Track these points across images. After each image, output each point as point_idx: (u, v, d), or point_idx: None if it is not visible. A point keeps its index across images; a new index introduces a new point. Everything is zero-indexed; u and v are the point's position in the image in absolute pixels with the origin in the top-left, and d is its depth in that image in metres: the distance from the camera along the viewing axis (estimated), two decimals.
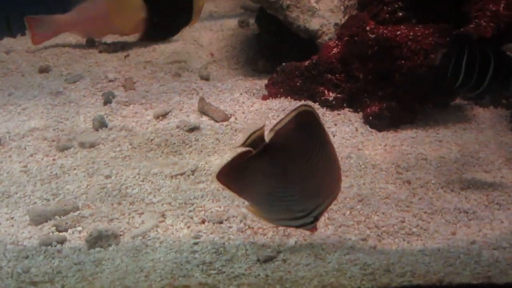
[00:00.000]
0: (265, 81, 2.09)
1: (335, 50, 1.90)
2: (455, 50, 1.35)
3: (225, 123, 1.77)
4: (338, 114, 1.84)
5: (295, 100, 1.97)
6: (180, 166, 1.48)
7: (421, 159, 1.54)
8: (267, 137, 0.99)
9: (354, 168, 1.48)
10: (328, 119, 1.82)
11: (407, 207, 1.32)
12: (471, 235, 1.22)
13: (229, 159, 1.01)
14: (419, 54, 1.69)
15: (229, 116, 1.81)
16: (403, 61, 1.70)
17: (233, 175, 1.03)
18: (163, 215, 1.24)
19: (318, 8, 2.30)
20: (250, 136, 0.98)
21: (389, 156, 1.56)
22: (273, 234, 1.20)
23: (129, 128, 1.73)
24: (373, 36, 1.75)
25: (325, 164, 1.00)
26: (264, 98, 2.06)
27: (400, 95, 1.75)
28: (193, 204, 1.29)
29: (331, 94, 1.89)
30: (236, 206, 1.30)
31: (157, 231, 1.19)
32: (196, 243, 1.15)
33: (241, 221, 1.23)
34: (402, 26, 1.74)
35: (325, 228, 1.23)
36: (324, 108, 1.87)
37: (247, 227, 1.22)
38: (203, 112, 1.89)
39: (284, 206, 1.02)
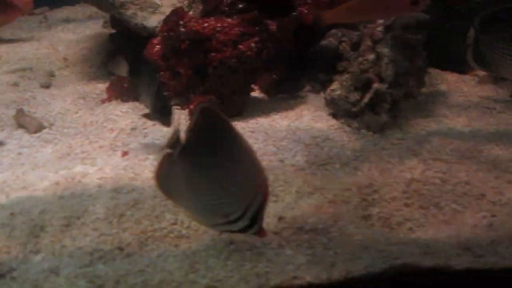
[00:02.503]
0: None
1: (158, 47, 1.86)
2: None
3: (36, 134, 1.69)
4: None
5: (124, 102, 1.91)
6: None
7: None
8: (183, 138, 0.99)
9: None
10: (149, 120, 1.76)
11: None
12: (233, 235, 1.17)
13: (157, 161, 0.99)
14: (228, 45, 1.69)
15: (46, 126, 1.73)
16: (214, 54, 1.69)
17: (162, 179, 1.01)
18: None
19: (160, 4, 2.24)
20: (172, 138, 0.98)
21: None
22: (18, 252, 1.13)
23: None
24: (183, 30, 1.71)
25: (240, 161, 0.97)
26: (103, 101, 2.01)
27: (217, 88, 1.72)
28: None
29: None
30: None
31: None
32: None
33: None
34: (211, 18, 1.71)
35: (84, 238, 1.17)
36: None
37: None
38: (20, 124, 1.80)
39: (213, 209, 0.99)
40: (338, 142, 1.55)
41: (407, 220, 1.24)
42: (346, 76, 1.63)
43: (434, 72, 2.24)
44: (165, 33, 1.77)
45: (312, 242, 1.10)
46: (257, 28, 1.67)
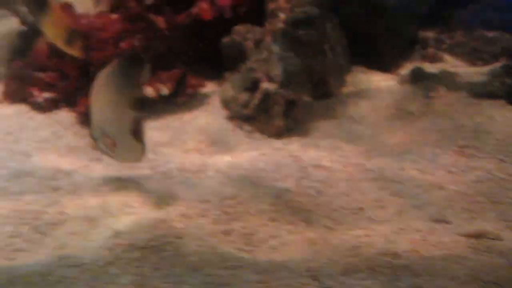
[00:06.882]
0: None
1: (44, 46, 1.72)
2: None
3: None
4: (48, 117, 1.64)
5: (12, 104, 1.73)
6: None
7: (92, 159, 1.39)
8: None
9: None
10: (30, 124, 1.60)
11: (33, 219, 1.14)
12: (76, 248, 1.05)
13: None
14: (109, 43, 1.56)
15: None
16: (95, 52, 1.56)
17: None
18: None
19: None
20: None
21: (59, 160, 1.41)
22: None
23: None
24: None
25: None
26: None
27: None
28: None
29: (42, 94, 1.70)
30: None
31: None
32: None
33: None
34: (91, 14, 1.59)
35: None
36: (35, 111, 1.66)
37: None
38: None
39: None
40: (223, 148, 1.41)
41: (272, 237, 1.08)
42: (237, 75, 1.52)
43: (359, 70, 2.15)
44: None
45: (142, 261, 0.96)
46: (141, 24, 1.55)
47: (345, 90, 1.93)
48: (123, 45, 1.52)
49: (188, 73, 1.79)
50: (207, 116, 1.64)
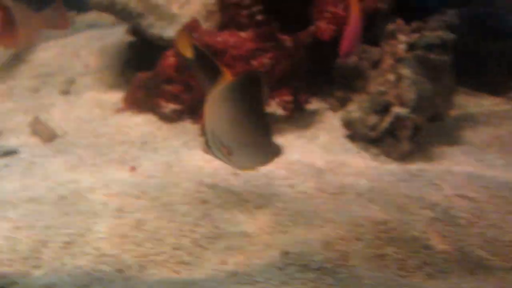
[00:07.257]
0: None
1: (172, 59, 1.83)
2: None
3: (49, 143, 1.68)
4: (175, 127, 1.76)
5: (139, 113, 1.88)
6: None
7: (231, 174, 1.46)
8: None
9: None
10: (160, 133, 1.73)
11: (190, 232, 1.23)
12: (241, 264, 1.12)
13: None
14: (241, 61, 1.62)
15: (59, 135, 1.71)
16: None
17: None
18: None
19: (179, 14, 2.22)
20: None
21: (200, 172, 1.49)
22: (20, 266, 1.11)
23: None
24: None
25: None
26: (118, 111, 1.98)
27: None
28: None
29: (169, 106, 1.81)
30: None
31: None
32: None
33: None
34: (225, 32, 1.67)
35: (84, 257, 1.13)
36: (162, 121, 1.77)
37: None
38: (35, 132, 1.81)
39: None
40: (354, 169, 1.46)
41: (426, 264, 1.12)
42: (364, 97, 1.54)
43: (466, 92, 2.11)
44: None
45: (318, 282, 1.03)
46: (271, 43, 1.61)
47: (454, 113, 1.92)
48: (254, 62, 1.60)
49: (299, 90, 1.87)
50: (327, 135, 1.68)
